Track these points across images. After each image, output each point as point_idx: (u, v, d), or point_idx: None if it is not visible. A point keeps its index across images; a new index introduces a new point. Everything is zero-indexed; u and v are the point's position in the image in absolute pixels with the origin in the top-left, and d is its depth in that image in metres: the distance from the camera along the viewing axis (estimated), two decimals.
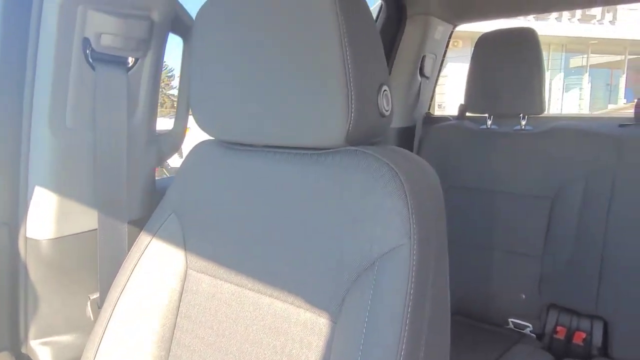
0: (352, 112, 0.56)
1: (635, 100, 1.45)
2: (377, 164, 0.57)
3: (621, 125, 1.41)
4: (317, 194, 0.61)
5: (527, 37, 1.42)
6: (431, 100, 1.86)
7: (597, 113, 9.98)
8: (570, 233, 1.33)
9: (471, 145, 1.56)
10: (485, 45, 1.51)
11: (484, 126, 1.54)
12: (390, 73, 1.68)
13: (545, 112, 1.45)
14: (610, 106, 12.11)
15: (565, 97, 14.90)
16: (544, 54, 1.54)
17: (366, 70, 0.58)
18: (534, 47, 1.41)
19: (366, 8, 0.60)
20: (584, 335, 1.29)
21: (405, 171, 0.57)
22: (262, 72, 0.62)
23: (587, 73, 15.67)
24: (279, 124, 0.62)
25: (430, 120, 1.79)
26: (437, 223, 0.58)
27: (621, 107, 10.68)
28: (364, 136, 0.60)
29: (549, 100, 12.58)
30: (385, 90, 0.61)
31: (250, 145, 0.71)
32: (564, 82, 15.34)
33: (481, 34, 1.50)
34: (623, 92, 15.49)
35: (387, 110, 0.61)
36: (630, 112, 1.49)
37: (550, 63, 15.54)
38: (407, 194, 0.54)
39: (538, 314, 1.37)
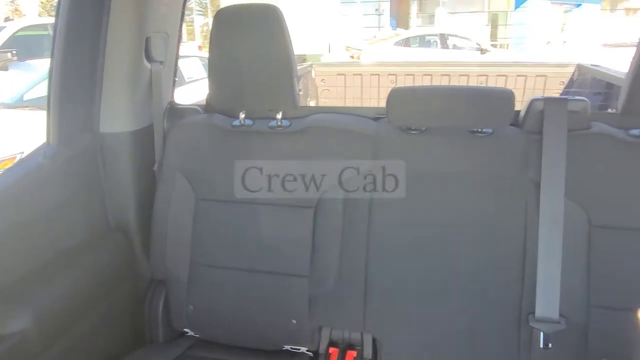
0: None
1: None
2: None
3: (376, 119, 1.31)
4: None
5: (270, 17, 1.17)
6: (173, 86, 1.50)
7: (370, 43, 10.87)
8: (334, 251, 1.21)
9: (223, 147, 1.30)
10: (223, 26, 1.21)
11: (237, 122, 1.29)
12: (103, 64, 1.24)
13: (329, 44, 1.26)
14: (378, 35, 13.50)
15: (344, 26, 15.85)
16: None
17: None
18: (279, 30, 1.17)
19: None
20: (355, 354, 1.24)
21: None
22: None
23: (358, 3, 16.88)
24: None
25: (175, 113, 1.44)
26: None
27: (389, 35, 12.02)
28: None
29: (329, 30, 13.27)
30: None
31: None
32: (341, 11, 16.25)
33: None
34: (388, 20, 17.17)
35: None
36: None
37: None
38: None
39: (311, 338, 1.27)
